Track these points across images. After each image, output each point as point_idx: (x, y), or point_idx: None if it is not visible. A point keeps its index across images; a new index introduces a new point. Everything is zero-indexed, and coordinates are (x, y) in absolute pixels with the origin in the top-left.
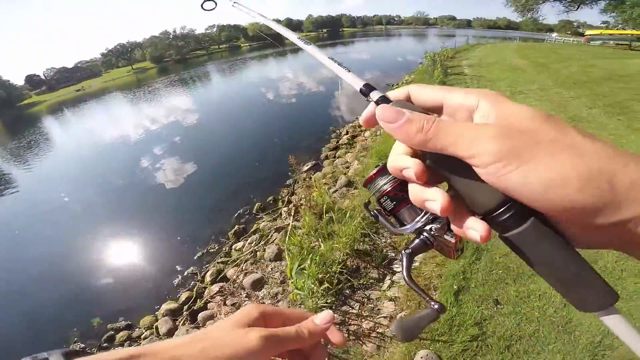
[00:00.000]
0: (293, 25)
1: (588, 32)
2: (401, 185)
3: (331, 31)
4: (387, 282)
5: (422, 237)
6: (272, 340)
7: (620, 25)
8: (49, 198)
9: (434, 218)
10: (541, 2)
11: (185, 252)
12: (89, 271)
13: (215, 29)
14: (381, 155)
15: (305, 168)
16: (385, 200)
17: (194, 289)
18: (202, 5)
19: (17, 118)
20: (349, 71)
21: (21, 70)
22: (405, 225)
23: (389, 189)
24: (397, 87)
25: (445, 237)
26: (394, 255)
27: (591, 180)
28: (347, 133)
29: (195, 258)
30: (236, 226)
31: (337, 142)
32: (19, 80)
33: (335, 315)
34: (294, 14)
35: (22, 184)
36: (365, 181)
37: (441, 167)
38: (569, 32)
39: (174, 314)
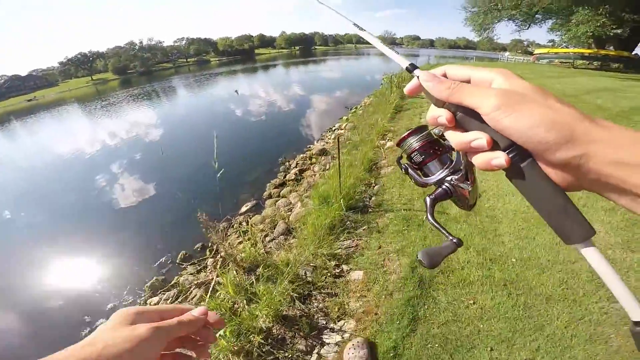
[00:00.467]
0: (266, 40)
1: (537, 50)
2: (429, 144)
3: (304, 48)
4: (315, 355)
5: (443, 186)
6: (159, 330)
7: (564, 44)
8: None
9: (454, 171)
10: (496, 21)
11: (99, 301)
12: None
13: (184, 42)
14: (325, 197)
15: (245, 209)
16: (415, 154)
17: None
18: None
19: None
20: (397, 53)
21: None
22: (430, 177)
23: (418, 146)
24: (355, 110)
25: (462, 185)
26: (324, 323)
27: (555, 125)
28: (296, 166)
29: (107, 309)
30: (154, 278)
31: (285, 176)
32: None
33: None
34: (267, 30)
35: None
36: (399, 140)
37: (463, 116)
38: (520, 51)
39: None
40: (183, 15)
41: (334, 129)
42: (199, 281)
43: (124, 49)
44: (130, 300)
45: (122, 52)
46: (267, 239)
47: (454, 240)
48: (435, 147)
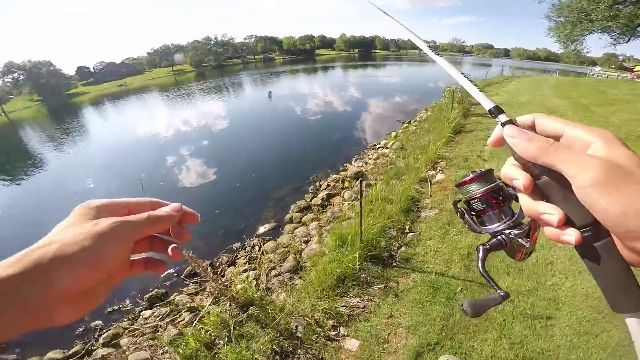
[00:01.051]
0: (326, 42)
1: (639, 67)
2: (493, 192)
3: (363, 52)
4: None
5: (499, 237)
6: (125, 225)
7: None
8: (76, 181)
9: (514, 225)
10: (587, 33)
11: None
12: None
13: (253, 39)
14: (344, 238)
15: (262, 230)
16: (476, 202)
17: (87, 345)
18: None
19: (62, 105)
20: (481, 90)
21: (76, 61)
22: (487, 226)
23: (480, 195)
24: (408, 125)
25: (520, 240)
26: None
27: None
28: (327, 187)
29: (105, 313)
30: (156, 290)
31: (311, 199)
32: (70, 70)
33: None
34: (328, 32)
35: (52, 165)
36: (460, 183)
37: (548, 181)
38: (613, 67)
39: None
40: (253, 14)
41: (378, 146)
42: (192, 304)
43: (201, 43)
44: (128, 307)
45: (199, 46)
46: (273, 272)
47: (501, 294)
48: (499, 197)
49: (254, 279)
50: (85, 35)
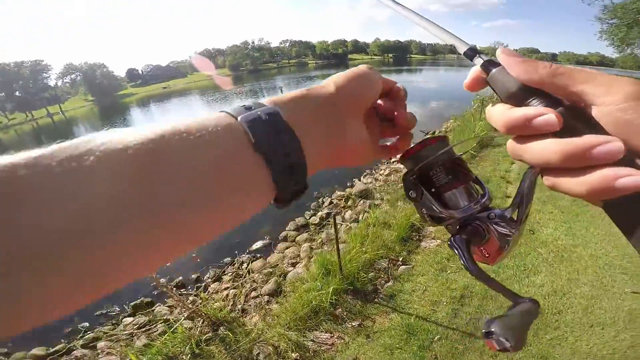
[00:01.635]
0: (359, 46)
1: None
2: (459, 163)
3: (397, 57)
4: None
5: (475, 224)
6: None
7: None
8: None
9: (487, 206)
10: None
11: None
12: None
13: (288, 44)
14: (326, 266)
15: (255, 247)
16: (439, 173)
17: (69, 345)
18: None
19: (112, 105)
20: (453, 35)
21: (126, 63)
22: (452, 209)
23: (444, 162)
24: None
25: (502, 227)
26: None
27: None
28: (330, 204)
29: (94, 315)
30: (142, 298)
31: (310, 217)
32: (121, 72)
33: None
34: (361, 36)
35: None
36: (414, 148)
37: (565, 112)
38: None
39: None
40: (288, 19)
41: (392, 160)
42: (168, 316)
43: (239, 47)
44: (114, 313)
45: (237, 50)
46: (253, 293)
47: (527, 301)
48: (465, 170)
49: (232, 298)
50: (136, 38)
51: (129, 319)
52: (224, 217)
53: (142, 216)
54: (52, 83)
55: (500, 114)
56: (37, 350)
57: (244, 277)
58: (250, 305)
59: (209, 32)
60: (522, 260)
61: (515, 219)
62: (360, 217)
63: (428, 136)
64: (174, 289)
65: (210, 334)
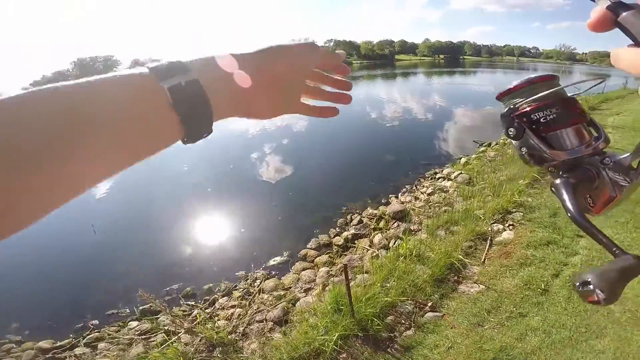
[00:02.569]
0: (407, 47)
1: None
2: (568, 101)
3: (450, 58)
4: None
5: (585, 166)
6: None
7: None
8: (175, 165)
9: (602, 150)
10: None
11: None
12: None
13: (332, 43)
14: (339, 299)
15: (272, 262)
16: (541, 112)
17: (75, 341)
18: None
19: None
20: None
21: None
22: (559, 150)
23: (550, 101)
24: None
25: (616, 174)
26: None
27: None
28: (358, 223)
29: (105, 314)
30: (151, 304)
31: (334, 236)
32: None
33: None
34: (409, 37)
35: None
36: (520, 84)
37: None
38: None
39: None
40: (332, 18)
41: (438, 176)
42: (169, 328)
43: None
44: (124, 314)
45: None
46: (259, 316)
47: (634, 258)
48: (578, 111)
49: (236, 318)
50: (187, 36)
51: (135, 323)
52: (139, 150)
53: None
54: None
55: (635, 54)
56: (44, 343)
57: (254, 296)
58: (252, 329)
59: (258, 32)
60: (585, 320)
61: (636, 167)
62: (391, 244)
63: (536, 75)
64: (165, 304)
65: (204, 355)
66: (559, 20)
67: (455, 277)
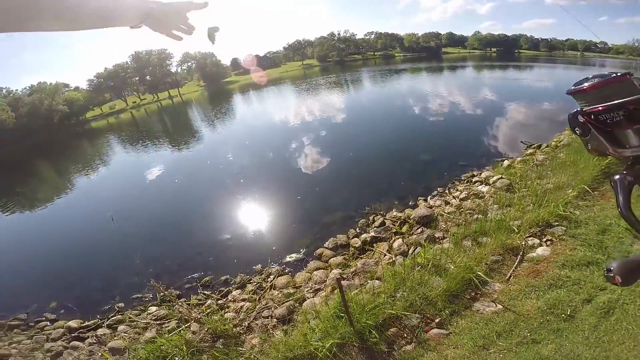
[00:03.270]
0: (455, 40)
1: None
2: (636, 102)
3: (502, 51)
4: None
5: None
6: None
7: None
8: (220, 154)
9: None
10: None
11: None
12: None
13: (373, 36)
14: (340, 311)
15: (289, 259)
16: (613, 113)
17: (100, 322)
18: None
19: (218, 90)
20: None
21: (231, 53)
22: (626, 147)
23: (621, 103)
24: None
25: None
26: None
27: None
28: (380, 225)
29: (130, 297)
30: (171, 289)
31: (353, 237)
32: (227, 61)
33: None
34: (458, 29)
35: (206, 138)
36: (591, 87)
37: None
38: None
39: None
40: (374, 12)
41: (474, 179)
42: (182, 315)
43: (326, 39)
44: (147, 299)
45: (324, 42)
46: (266, 312)
47: None
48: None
49: (244, 311)
50: (239, 29)
51: (154, 309)
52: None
53: None
54: (173, 69)
55: None
56: (73, 322)
57: (264, 292)
58: (257, 324)
59: (301, 24)
60: (606, 352)
61: None
62: (411, 251)
63: (612, 74)
64: (173, 292)
65: (207, 344)
66: (631, 15)
67: (472, 294)
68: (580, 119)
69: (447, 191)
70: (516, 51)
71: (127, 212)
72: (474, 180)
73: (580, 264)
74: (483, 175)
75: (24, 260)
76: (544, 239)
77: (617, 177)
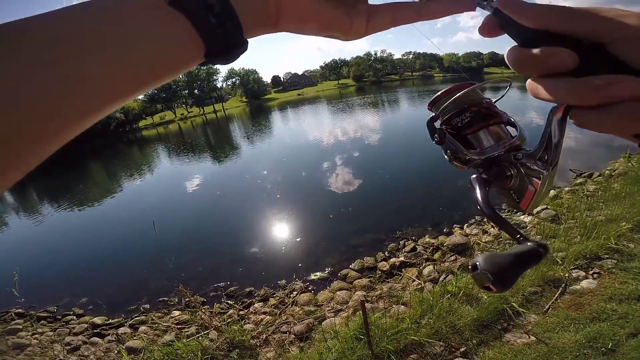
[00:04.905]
0: (498, 59)
1: None
2: (484, 104)
3: None
4: None
5: (501, 164)
6: None
7: None
8: (256, 168)
9: (517, 146)
10: None
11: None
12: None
13: (411, 56)
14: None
15: (313, 276)
16: (460, 117)
17: (124, 321)
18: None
19: (259, 107)
20: None
21: (271, 70)
22: (476, 149)
23: (464, 106)
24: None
25: (534, 165)
26: None
27: None
28: (411, 251)
29: (156, 300)
30: (195, 296)
31: (381, 260)
32: (267, 78)
33: None
34: (501, 49)
35: (244, 153)
36: (437, 96)
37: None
38: None
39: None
40: (412, 31)
41: (516, 210)
42: (202, 322)
43: (362, 59)
44: (172, 303)
45: (360, 62)
46: (284, 327)
47: (535, 244)
48: (492, 111)
49: (264, 324)
50: (280, 47)
51: (177, 313)
52: (143, 66)
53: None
54: (218, 85)
55: (516, 53)
56: (98, 319)
57: (286, 307)
58: (274, 338)
59: (338, 44)
60: None
61: (546, 158)
62: (441, 279)
63: (455, 84)
64: (198, 298)
65: (223, 353)
66: None
67: (505, 324)
68: (437, 124)
69: (485, 220)
70: None
71: (167, 219)
72: (515, 210)
73: (630, 297)
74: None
75: (66, 254)
76: (591, 272)
77: (472, 177)
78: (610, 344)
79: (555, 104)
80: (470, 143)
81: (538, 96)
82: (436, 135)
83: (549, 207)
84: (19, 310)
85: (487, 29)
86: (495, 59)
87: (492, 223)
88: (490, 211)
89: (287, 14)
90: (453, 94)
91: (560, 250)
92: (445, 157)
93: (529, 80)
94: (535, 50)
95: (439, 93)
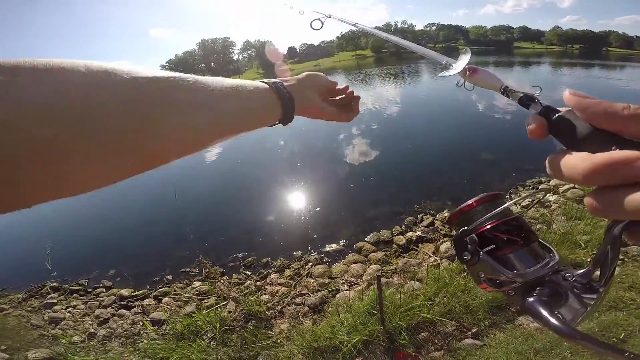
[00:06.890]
0: (530, 34)
1: None
2: (518, 221)
3: (587, 48)
4: None
5: (551, 284)
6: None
7: None
8: (274, 139)
9: (558, 269)
10: None
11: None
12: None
13: (434, 27)
14: (375, 304)
15: (329, 248)
16: (498, 233)
17: (149, 292)
18: (310, 25)
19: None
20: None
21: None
22: (518, 270)
23: (500, 222)
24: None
25: (582, 291)
26: None
27: None
28: (428, 225)
29: (178, 271)
30: (215, 266)
31: (397, 234)
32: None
33: None
34: (533, 23)
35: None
36: (464, 208)
37: None
38: None
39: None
40: (436, 2)
41: (540, 187)
42: (221, 292)
43: (383, 29)
44: (193, 274)
45: None
46: (299, 299)
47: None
48: (528, 230)
49: (279, 295)
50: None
51: (198, 284)
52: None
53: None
54: (235, 57)
55: (580, 160)
56: (125, 291)
57: (301, 279)
58: (289, 309)
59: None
60: None
61: (598, 279)
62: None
63: (482, 194)
64: (217, 269)
65: (240, 324)
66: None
67: (519, 307)
68: (467, 242)
69: (509, 196)
70: (604, 49)
71: (188, 188)
72: (539, 187)
73: None
74: (552, 182)
75: (92, 226)
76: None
77: (531, 299)
78: (623, 334)
79: (618, 219)
80: (506, 263)
81: (607, 213)
82: (466, 253)
83: (576, 186)
84: (54, 284)
85: (539, 134)
86: (526, 34)
87: (583, 346)
88: (578, 333)
89: (308, 112)
90: (487, 207)
91: (585, 233)
92: (472, 276)
93: (591, 195)
94: (617, 154)
95: (467, 204)
